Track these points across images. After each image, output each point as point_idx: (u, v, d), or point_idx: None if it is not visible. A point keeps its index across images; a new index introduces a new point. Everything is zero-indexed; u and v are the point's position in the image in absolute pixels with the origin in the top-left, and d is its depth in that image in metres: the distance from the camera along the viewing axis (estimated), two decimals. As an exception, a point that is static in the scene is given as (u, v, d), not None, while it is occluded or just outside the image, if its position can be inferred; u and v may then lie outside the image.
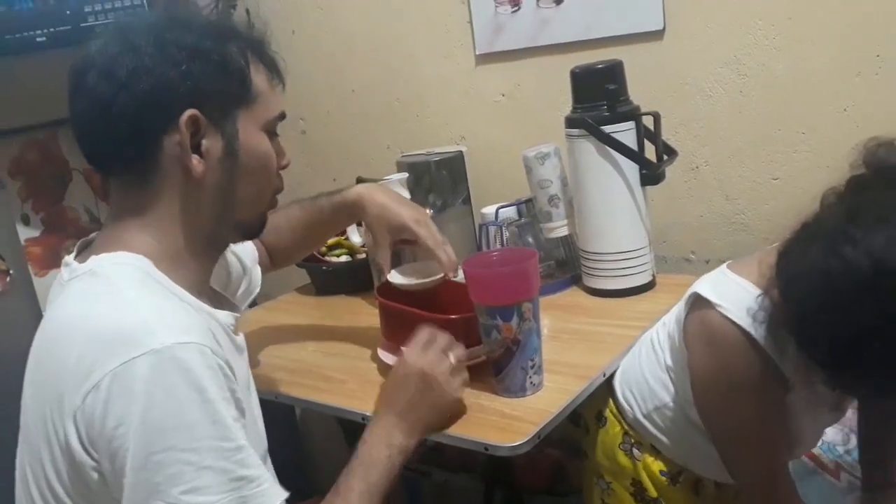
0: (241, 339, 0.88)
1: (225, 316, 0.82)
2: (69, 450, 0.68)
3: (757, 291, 0.87)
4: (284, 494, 0.71)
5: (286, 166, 0.87)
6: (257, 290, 1.15)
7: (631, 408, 1.07)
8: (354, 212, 1.12)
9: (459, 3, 1.58)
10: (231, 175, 0.79)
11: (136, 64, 0.73)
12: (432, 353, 0.95)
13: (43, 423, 0.70)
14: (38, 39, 1.62)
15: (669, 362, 1.01)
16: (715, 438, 0.97)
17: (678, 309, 1.01)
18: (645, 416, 1.05)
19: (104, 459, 0.66)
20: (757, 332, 0.86)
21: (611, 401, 1.10)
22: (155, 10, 0.77)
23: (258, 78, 0.81)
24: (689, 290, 0.96)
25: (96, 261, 0.75)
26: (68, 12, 1.66)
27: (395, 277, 1.14)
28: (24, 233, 1.85)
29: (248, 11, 1.92)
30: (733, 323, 0.88)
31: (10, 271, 1.47)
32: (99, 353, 0.66)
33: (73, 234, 1.82)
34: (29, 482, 0.74)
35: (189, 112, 0.74)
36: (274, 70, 0.84)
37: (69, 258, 0.80)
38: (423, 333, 0.98)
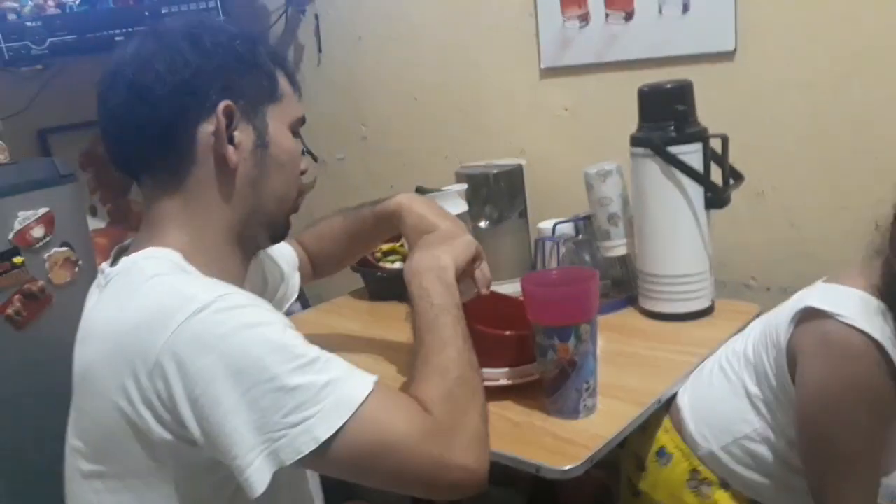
0: None
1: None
2: (142, 437, 0.69)
3: (872, 298, 0.84)
4: (373, 378, 0.72)
5: (305, 171, 0.90)
6: (294, 296, 1.16)
7: (707, 440, 1.02)
8: (395, 221, 1.13)
9: (527, 16, 1.58)
10: (262, 166, 0.82)
11: (173, 57, 0.76)
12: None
13: (103, 427, 0.71)
14: (117, 38, 1.68)
15: (754, 390, 0.98)
16: (816, 466, 0.91)
17: (764, 330, 0.98)
18: (722, 449, 1.01)
19: (193, 427, 0.67)
20: (883, 336, 0.83)
21: (674, 432, 1.07)
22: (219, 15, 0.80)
23: (282, 80, 0.85)
24: (791, 307, 0.92)
25: (127, 261, 0.77)
26: (146, 13, 1.72)
27: None
28: (91, 224, 1.92)
29: (316, 17, 1.96)
30: (858, 330, 0.83)
31: (80, 262, 1.52)
32: (146, 335, 0.68)
33: (136, 227, 1.88)
34: (82, 488, 0.76)
35: (225, 102, 0.77)
36: (292, 78, 0.87)
37: (104, 265, 0.81)
38: None
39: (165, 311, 0.68)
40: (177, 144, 0.78)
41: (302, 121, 0.88)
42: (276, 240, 0.92)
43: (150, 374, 0.67)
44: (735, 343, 1.05)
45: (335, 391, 0.68)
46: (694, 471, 1.04)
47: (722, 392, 1.02)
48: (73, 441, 0.78)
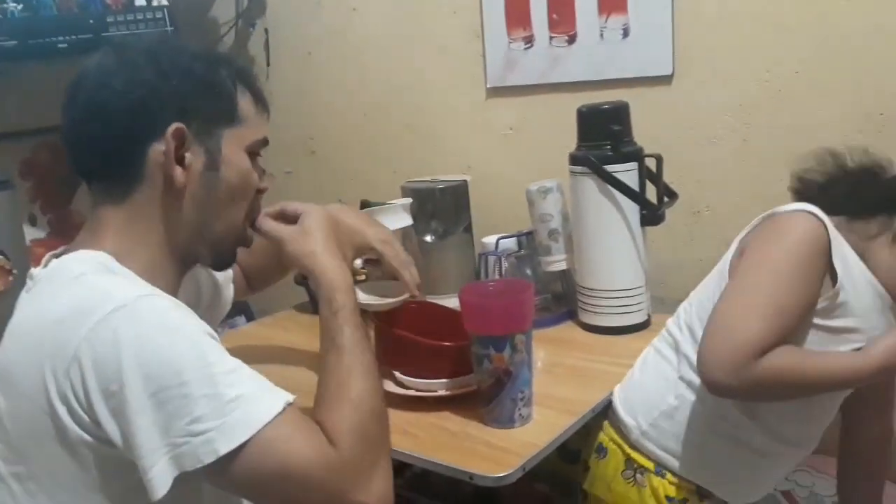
0: None
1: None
2: (64, 434, 0.69)
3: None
4: (287, 398, 0.71)
5: (265, 190, 0.90)
6: (228, 307, 1.15)
7: (636, 421, 1.05)
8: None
9: (474, 37, 1.61)
10: (211, 188, 0.82)
11: (131, 75, 0.78)
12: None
13: (27, 429, 0.71)
14: (60, 46, 1.66)
15: (679, 337, 1.04)
16: (724, 294, 0.95)
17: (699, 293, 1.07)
18: (651, 425, 1.04)
19: (107, 424, 0.67)
20: (829, 223, 0.92)
21: (610, 428, 1.10)
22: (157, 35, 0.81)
23: (244, 102, 0.85)
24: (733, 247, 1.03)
25: (55, 262, 0.77)
26: (91, 21, 1.70)
27: (359, 297, 1.15)
28: (30, 233, 1.87)
29: (266, 31, 1.96)
30: (807, 212, 0.93)
31: (14, 270, 1.49)
32: (65, 330, 0.68)
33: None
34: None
35: (176, 125, 0.78)
36: (260, 99, 0.87)
37: (33, 270, 0.81)
38: None
39: (85, 307, 0.68)
40: (127, 160, 0.79)
41: (263, 142, 0.88)
42: (219, 266, 0.92)
43: (67, 370, 0.67)
44: (669, 322, 1.11)
45: (241, 407, 0.68)
46: (628, 459, 1.07)
47: (647, 371, 1.07)
48: None
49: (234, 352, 0.89)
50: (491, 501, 1.55)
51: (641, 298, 1.30)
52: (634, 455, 1.06)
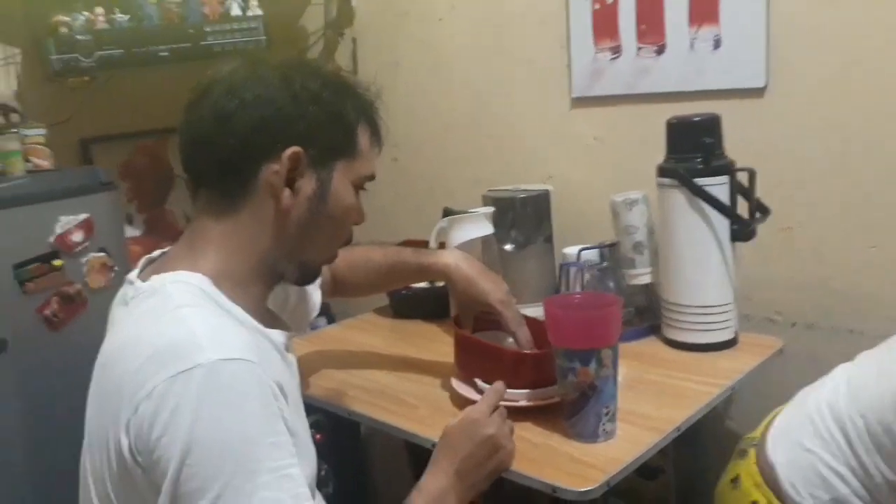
0: (291, 358, 0.90)
1: (277, 335, 0.84)
2: (122, 459, 0.71)
3: None
4: None
5: (360, 223, 0.92)
6: (316, 311, 1.18)
7: (802, 498, 0.99)
8: (440, 279, 1.18)
9: (560, 48, 1.61)
10: (313, 216, 0.84)
11: (261, 91, 0.79)
12: (498, 417, 0.96)
13: (104, 436, 0.73)
14: (161, 54, 1.74)
15: (868, 456, 0.95)
16: None
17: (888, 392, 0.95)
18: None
19: (148, 468, 0.69)
20: None
21: (770, 492, 1.02)
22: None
23: (363, 137, 0.86)
24: None
25: (157, 280, 0.78)
26: (191, 31, 1.78)
27: None
28: (128, 232, 1.97)
29: (354, 41, 2.01)
30: None
31: (115, 267, 1.57)
32: (151, 366, 0.69)
33: (170, 237, 1.93)
34: (91, 493, 0.77)
35: (294, 149, 0.80)
36: (377, 134, 0.89)
37: (132, 275, 0.83)
38: (490, 396, 0.99)
39: (172, 351, 0.70)
40: (239, 173, 0.80)
41: (371, 177, 0.89)
42: (303, 283, 0.94)
43: (138, 402, 0.69)
44: (822, 396, 1.03)
45: None
46: None
47: (817, 450, 0.99)
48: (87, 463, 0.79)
49: (316, 355, 0.90)
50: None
51: (729, 316, 1.27)
52: None
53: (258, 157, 0.80)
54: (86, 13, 1.72)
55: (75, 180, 1.60)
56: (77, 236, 1.54)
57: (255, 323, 0.80)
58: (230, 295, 0.79)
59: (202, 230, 0.83)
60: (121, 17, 1.75)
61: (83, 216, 1.55)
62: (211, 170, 0.82)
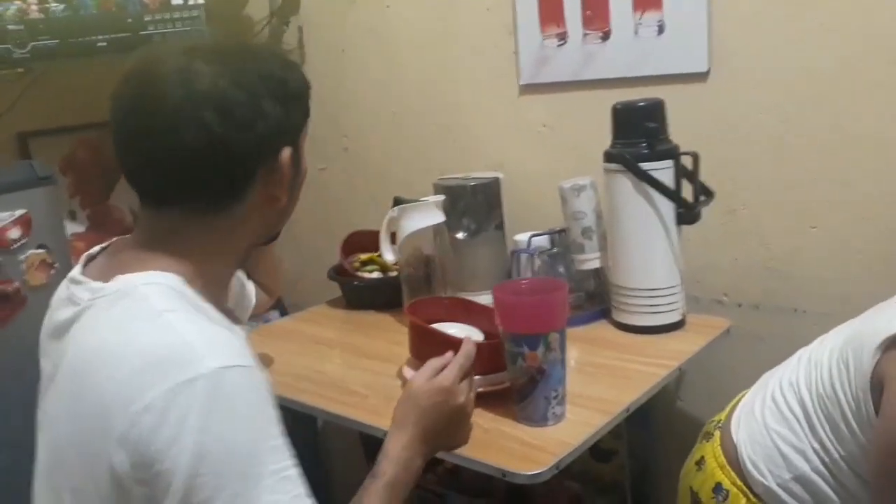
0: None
1: (240, 329, 0.82)
2: (114, 475, 0.68)
3: None
4: None
5: None
6: (253, 300, 1.16)
7: (764, 477, 1.00)
8: None
9: (507, 34, 1.60)
10: (293, 194, 0.83)
11: (253, 105, 0.75)
12: (467, 386, 0.95)
13: (84, 448, 0.70)
14: (100, 44, 1.69)
15: (814, 422, 0.96)
16: (886, 499, 0.89)
17: (830, 358, 0.96)
18: (780, 486, 0.99)
19: (148, 482, 0.67)
20: None
21: (733, 472, 1.04)
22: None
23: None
24: (874, 332, 0.90)
25: (124, 281, 0.75)
26: (129, 20, 1.73)
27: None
28: (71, 228, 1.91)
29: (300, 28, 1.98)
30: None
31: (56, 264, 1.52)
32: (146, 377, 0.67)
33: (115, 233, 1.88)
34: None
35: (288, 150, 0.79)
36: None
37: (76, 273, 0.80)
38: (462, 360, 0.97)
39: (171, 361, 0.68)
40: (233, 186, 0.77)
41: None
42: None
43: (135, 415, 0.66)
44: (783, 374, 1.04)
45: None
46: None
47: (778, 428, 1.00)
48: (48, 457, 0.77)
49: (268, 348, 0.89)
50: (522, 498, 1.55)
51: (676, 298, 1.29)
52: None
53: (254, 165, 0.77)
54: (18, 2, 1.65)
55: (11, 175, 1.54)
56: (14, 233, 1.49)
57: (227, 321, 0.79)
58: (202, 293, 0.77)
59: (174, 231, 0.78)
60: (55, 6, 1.68)
61: (20, 212, 1.50)
62: (197, 185, 0.76)
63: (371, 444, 1.30)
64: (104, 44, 1.69)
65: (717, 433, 1.09)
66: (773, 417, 1.02)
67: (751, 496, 1.02)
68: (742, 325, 1.38)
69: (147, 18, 1.74)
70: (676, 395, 1.51)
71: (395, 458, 0.87)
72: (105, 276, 0.77)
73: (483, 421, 1.03)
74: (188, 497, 0.65)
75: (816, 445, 0.97)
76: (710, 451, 1.07)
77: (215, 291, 0.81)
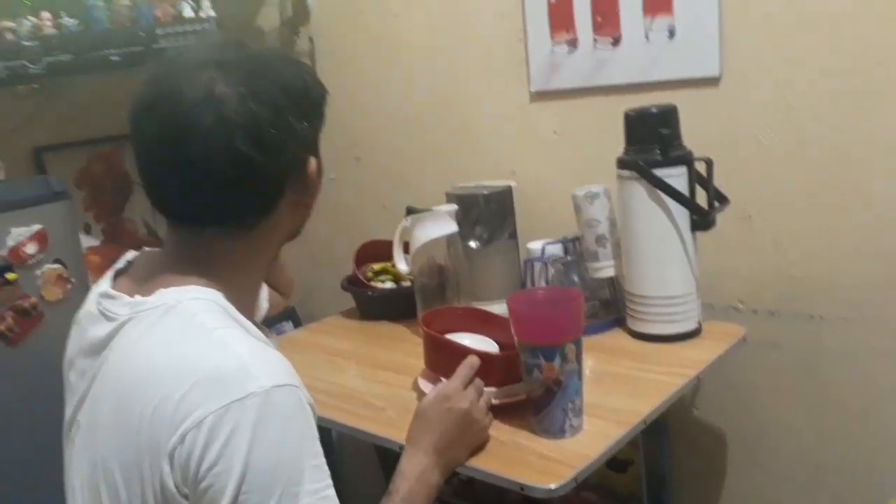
0: None
1: (272, 344, 0.83)
2: (164, 489, 0.69)
3: None
4: None
5: None
6: (266, 307, 1.16)
7: None
8: None
9: (517, 41, 1.60)
10: (314, 197, 0.85)
11: (284, 127, 0.76)
12: (472, 392, 0.97)
13: (130, 460, 0.71)
14: (113, 58, 1.70)
15: None
16: None
17: None
18: None
19: (193, 499, 0.68)
20: None
21: None
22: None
23: None
24: None
25: (167, 295, 0.75)
26: (142, 34, 1.74)
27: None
28: (86, 241, 1.93)
29: (311, 39, 1.98)
30: None
31: (72, 279, 1.53)
32: (199, 395, 0.68)
33: (130, 246, 1.89)
34: None
35: (314, 161, 0.81)
36: None
37: (106, 287, 0.80)
38: (463, 370, 0.99)
39: (223, 379, 0.68)
40: (266, 200, 0.78)
41: None
42: None
43: (186, 431, 0.67)
44: None
45: None
46: None
47: None
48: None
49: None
50: (538, 509, 1.54)
51: (692, 306, 1.28)
52: None
53: (285, 181, 0.79)
54: (32, 18, 1.67)
55: (27, 191, 1.56)
56: (30, 248, 1.50)
57: (263, 335, 0.80)
58: (237, 307, 0.77)
59: (205, 247, 0.78)
60: (69, 22, 1.70)
61: (36, 227, 1.51)
62: (231, 206, 0.77)
63: (387, 457, 1.29)
64: (117, 58, 1.71)
65: None
66: None
67: None
68: (758, 332, 1.36)
69: (159, 32, 1.76)
70: (692, 403, 1.50)
71: (409, 473, 0.88)
72: (139, 291, 0.77)
73: (500, 433, 1.02)
74: None
75: None
76: None
77: (247, 303, 0.82)
